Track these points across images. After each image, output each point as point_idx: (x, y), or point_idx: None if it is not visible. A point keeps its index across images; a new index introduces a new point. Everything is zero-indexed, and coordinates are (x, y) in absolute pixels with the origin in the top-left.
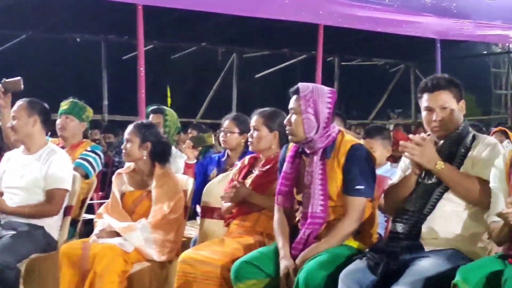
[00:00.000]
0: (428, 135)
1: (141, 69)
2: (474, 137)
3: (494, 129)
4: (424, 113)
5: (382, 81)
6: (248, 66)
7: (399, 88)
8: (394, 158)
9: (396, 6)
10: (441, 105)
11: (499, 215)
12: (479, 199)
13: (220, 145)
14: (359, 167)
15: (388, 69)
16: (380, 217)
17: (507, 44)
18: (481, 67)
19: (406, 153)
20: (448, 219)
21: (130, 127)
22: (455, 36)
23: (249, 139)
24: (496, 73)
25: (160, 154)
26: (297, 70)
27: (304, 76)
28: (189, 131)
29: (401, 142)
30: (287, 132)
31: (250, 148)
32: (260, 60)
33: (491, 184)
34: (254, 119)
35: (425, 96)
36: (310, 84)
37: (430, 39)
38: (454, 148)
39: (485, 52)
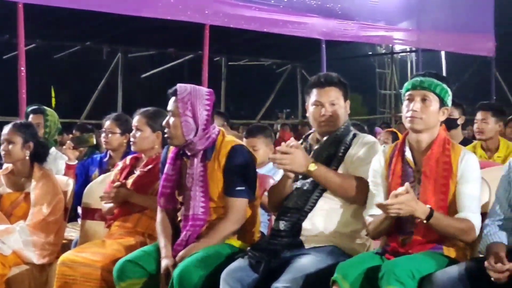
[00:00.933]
0: (307, 136)
1: (22, 68)
2: (354, 136)
3: (379, 130)
4: (311, 108)
5: (269, 81)
6: (134, 66)
7: (287, 88)
8: None
9: (282, 6)
10: (331, 100)
11: (380, 205)
12: (356, 196)
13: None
14: (240, 168)
15: (275, 69)
16: (263, 216)
17: (390, 45)
18: (366, 67)
19: (275, 164)
20: (327, 216)
21: (8, 127)
22: (340, 37)
23: (132, 139)
24: (381, 74)
25: (40, 154)
26: (184, 70)
27: (192, 76)
28: (73, 131)
29: (269, 156)
30: (165, 135)
31: (132, 148)
32: (146, 60)
33: (370, 179)
34: (136, 119)
35: (315, 91)
36: (188, 86)
37: (316, 39)
38: (334, 148)
39: (370, 53)
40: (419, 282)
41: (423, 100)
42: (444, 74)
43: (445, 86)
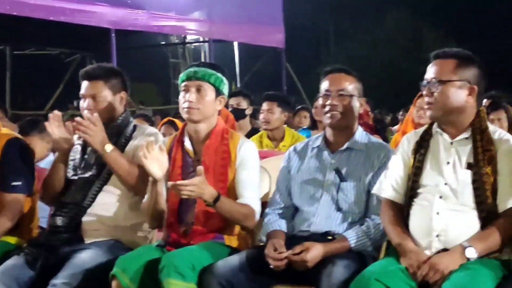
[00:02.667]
0: None
1: None
2: (134, 128)
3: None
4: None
5: (58, 71)
6: None
7: (76, 78)
8: None
9: None
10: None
11: (173, 186)
12: (139, 185)
13: None
14: (15, 162)
15: (64, 58)
16: (45, 211)
17: (183, 35)
18: (160, 57)
19: (78, 132)
20: (107, 210)
21: None
22: (130, 26)
23: None
24: (174, 64)
25: None
26: None
27: None
28: None
29: (76, 119)
30: None
31: None
32: None
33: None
34: None
35: (82, 84)
36: None
37: (105, 28)
38: (114, 139)
39: (163, 42)
40: (200, 273)
41: (198, 90)
42: (237, 64)
43: (219, 75)
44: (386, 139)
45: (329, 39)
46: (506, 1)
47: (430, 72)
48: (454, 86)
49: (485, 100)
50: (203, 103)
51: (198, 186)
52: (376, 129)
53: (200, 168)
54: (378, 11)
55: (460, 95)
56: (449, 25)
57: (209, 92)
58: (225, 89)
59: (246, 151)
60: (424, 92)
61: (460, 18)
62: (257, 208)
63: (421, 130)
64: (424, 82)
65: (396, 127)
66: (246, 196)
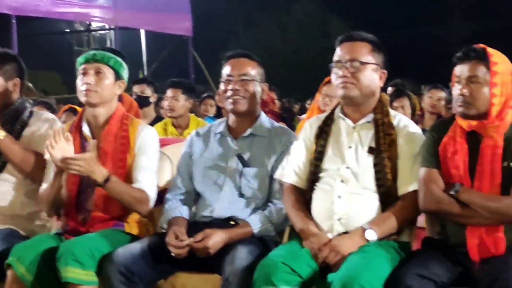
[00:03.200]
0: None
1: None
2: (31, 114)
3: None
4: None
5: None
6: None
7: None
8: None
9: None
10: None
11: (63, 160)
12: (34, 172)
13: None
14: None
15: None
16: None
17: (87, 22)
18: (64, 45)
19: None
20: (4, 199)
21: None
22: (31, 12)
23: None
24: (79, 52)
25: None
26: None
27: None
28: None
29: None
30: None
31: None
32: None
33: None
34: None
35: None
36: None
37: (6, 14)
38: (9, 125)
39: (67, 30)
40: (100, 261)
41: (97, 73)
42: (144, 52)
43: (119, 59)
44: (293, 128)
45: (238, 27)
46: None
47: (345, 52)
48: (371, 69)
49: (390, 88)
50: (101, 86)
51: (87, 162)
52: (283, 117)
53: (93, 141)
54: (287, 0)
55: (375, 78)
56: (357, 15)
57: (108, 75)
58: (125, 73)
59: (145, 137)
60: (340, 72)
61: (367, 8)
62: (152, 194)
63: (323, 115)
64: (337, 63)
65: (303, 116)
66: (141, 180)
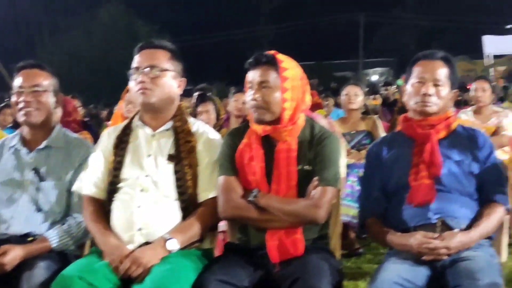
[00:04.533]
0: None
1: None
2: None
3: None
4: None
5: None
6: None
7: None
8: None
9: None
10: None
11: None
12: None
13: None
14: None
15: None
16: None
17: None
18: None
19: None
20: None
21: None
22: None
23: None
24: None
25: None
26: None
27: None
28: None
29: None
30: None
31: None
32: None
33: None
34: None
35: None
36: None
37: None
38: None
39: None
40: None
41: None
42: None
43: None
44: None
45: (43, 33)
46: None
47: (144, 59)
48: (170, 76)
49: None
50: None
51: None
52: (87, 125)
53: None
54: (92, 5)
55: (174, 85)
56: (164, 19)
57: None
58: None
59: None
60: (139, 79)
61: (174, 12)
62: None
63: (121, 125)
64: (136, 70)
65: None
66: None
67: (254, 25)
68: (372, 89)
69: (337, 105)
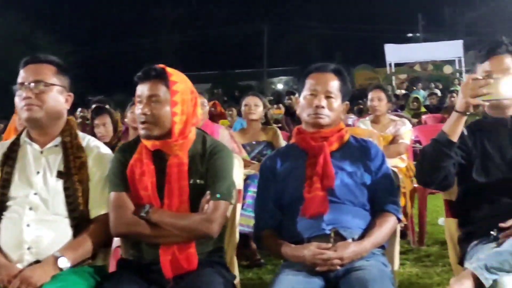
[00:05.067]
0: None
1: None
2: None
3: None
4: None
5: None
6: None
7: None
8: None
9: None
10: None
11: None
12: None
13: None
14: None
15: None
16: None
17: None
18: None
19: None
20: None
21: None
22: None
23: None
24: None
25: None
26: None
27: None
28: None
29: None
30: None
31: None
32: None
33: None
34: None
35: None
36: None
37: None
38: None
39: None
40: None
41: None
42: None
43: None
44: None
45: None
46: (115, 6)
47: (29, 74)
48: (57, 91)
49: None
50: None
51: None
52: None
53: None
54: None
55: (61, 100)
56: (63, 29)
57: None
58: None
59: None
60: (24, 94)
61: (73, 22)
62: None
63: (8, 141)
64: (21, 85)
65: None
66: None
67: (158, 34)
68: (277, 98)
69: (241, 114)
